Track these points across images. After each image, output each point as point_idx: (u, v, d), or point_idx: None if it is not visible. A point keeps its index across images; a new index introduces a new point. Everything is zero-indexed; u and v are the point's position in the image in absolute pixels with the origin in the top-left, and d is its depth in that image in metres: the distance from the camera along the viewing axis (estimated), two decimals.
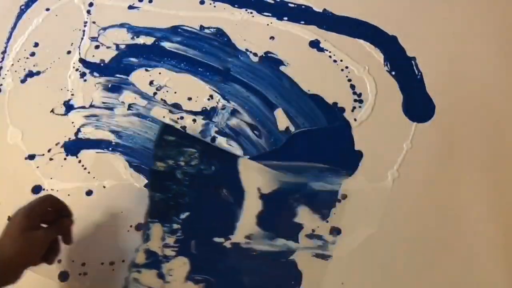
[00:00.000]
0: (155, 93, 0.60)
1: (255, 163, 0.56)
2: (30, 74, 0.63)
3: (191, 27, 0.62)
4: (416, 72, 0.58)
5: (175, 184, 0.55)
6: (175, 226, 0.55)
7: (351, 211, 0.54)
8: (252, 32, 0.61)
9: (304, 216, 0.54)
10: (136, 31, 0.63)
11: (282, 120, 0.58)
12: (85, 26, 0.64)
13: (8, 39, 0.66)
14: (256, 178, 0.55)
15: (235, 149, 0.57)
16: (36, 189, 0.58)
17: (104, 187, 0.56)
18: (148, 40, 0.63)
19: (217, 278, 0.52)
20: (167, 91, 0.60)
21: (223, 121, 0.58)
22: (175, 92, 0.60)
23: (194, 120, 0.59)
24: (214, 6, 0.62)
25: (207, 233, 0.54)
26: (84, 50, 0.63)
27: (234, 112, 0.59)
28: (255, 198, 0.55)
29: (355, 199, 0.55)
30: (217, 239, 0.54)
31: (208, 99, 0.59)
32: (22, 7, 0.67)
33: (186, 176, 0.56)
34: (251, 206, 0.55)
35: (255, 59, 0.60)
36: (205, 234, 0.54)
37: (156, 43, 0.62)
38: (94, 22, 0.65)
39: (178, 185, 0.55)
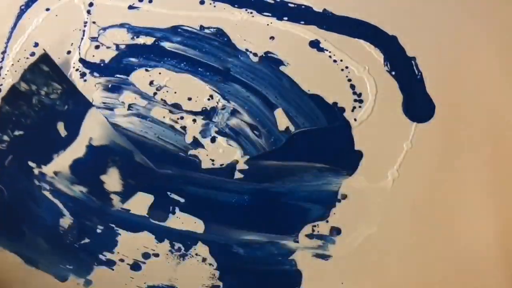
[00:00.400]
0: (155, 93, 0.60)
1: (103, 117, 0.59)
2: None
3: (191, 27, 0.62)
4: (416, 72, 0.58)
5: (27, 105, 0.59)
6: (5, 137, 0.59)
7: (351, 211, 0.54)
8: (252, 32, 0.61)
9: (112, 176, 0.57)
10: (136, 31, 0.63)
11: (282, 120, 0.58)
12: (85, 26, 0.64)
13: (8, 39, 0.65)
14: (94, 129, 0.59)
15: (235, 148, 0.57)
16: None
17: None
18: (148, 40, 0.62)
19: (10, 192, 0.58)
20: (167, 91, 0.60)
21: (223, 121, 0.58)
22: (175, 92, 0.60)
23: (194, 120, 0.59)
24: (214, 6, 0.62)
25: (27, 154, 0.59)
26: (84, 50, 0.63)
27: (234, 112, 0.59)
28: (83, 144, 0.58)
29: (355, 199, 0.55)
30: (30, 163, 0.58)
31: (208, 99, 0.59)
32: (22, 7, 0.67)
33: (39, 104, 0.59)
34: (76, 150, 0.58)
35: (255, 59, 0.60)
36: (24, 154, 0.59)
37: (156, 43, 0.62)
38: (94, 22, 0.64)
39: (28, 107, 0.59)
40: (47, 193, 0.58)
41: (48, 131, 0.59)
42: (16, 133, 0.59)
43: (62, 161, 0.58)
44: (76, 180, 0.58)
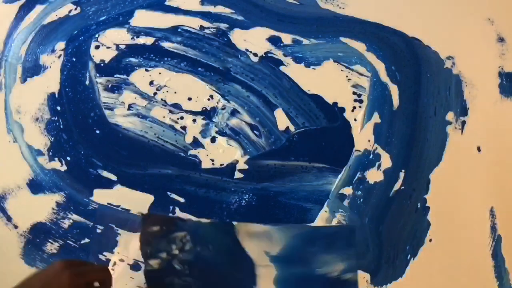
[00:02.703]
0: (155, 93, 0.60)
1: (253, 225, 0.51)
2: (30, 74, 0.63)
3: (191, 27, 0.62)
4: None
5: (176, 277, 0.50)
6: None
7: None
8: (252, 32, 0.61)
9: (327, 261, 0.50)
10: (136, 31, 0.63)
11: (282, 120, 0.58)
12: None
13: (8, 38, 0.65)
14: (260, 242, 0.51)
15: (235, 148, 0.57)
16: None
17: None
18: (148, 40, 0.62)
19: None
20: (167, 91, 0.60)
21: (223, 121, 0.58)
22: (175, 92, 0.60)
23: (194, 120, 0.59)
24: (214, 6, 0.62)
25: None
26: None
27: (234, 112, 0.59)
28: (266, 263, 0.50)
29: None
30: None
31: (208, 99, 0.59)
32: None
33: (185, 265, 0.50)
34: (265, 274, 0.50)
35: (255, 59, 0.60)
36: None
37: (156, 43, 0.62)
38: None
39: (180, 277, 0.50)
40: None
41: (222, 281, 0.50)
42: None
43: None
44: None
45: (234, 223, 0.52)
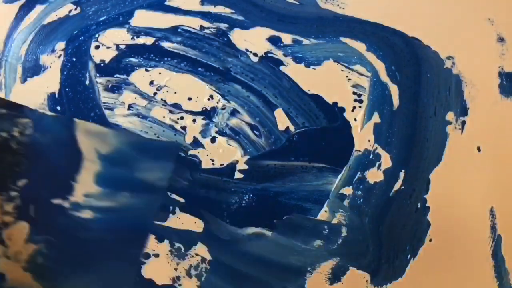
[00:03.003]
0: (155, 93, 0.60)
1: (93, 125, 0.58)
2: (30, 74, 0.63)
3: (191, 27, 0.62)
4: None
5: (11, 154, 0.57)
6: (13, 193, 0.57)
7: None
8: (252, 32, 0.61)
9: (147, 168, 0.57)
10: (136, 31, 0.63)
11: (282, 120, 0.58)
12: None
13: (8, 38, 0.65)
14: (93, 140, 0.58)
15: (235, 148, 0.57)
16: None
17: None
18: (148, 40, 0.62)
19: (57, 237, 0.56)
20: (167, 91, 0.60)
21: (223, 121, 0.58)
22: (175, 92, 0.60)
23: (194, 120, 0.59)
24: (214, 6, 0.62)
25: (46, 196, 0.57)
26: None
27: (234, 112, 0.59)
28: (93, 159, 0.57)
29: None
30: (55, 201, 0.57)
31: (208, 99, 0.59)
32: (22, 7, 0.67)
33: (21, 146, 0.57)
34: (89, 167, 0.57)
35: (255, 59, 0.60)
36: (43, 198, 0.57)
37: (156, 43, 0.62)
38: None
39: (14, 155, 0.57)
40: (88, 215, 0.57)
41: (49, 165, 0.57)
42: (20, 183, 0.57)
43: (83, 183, 0.57)
44: (113, 191, 0.57)
45: (76, 120, 0.59)
